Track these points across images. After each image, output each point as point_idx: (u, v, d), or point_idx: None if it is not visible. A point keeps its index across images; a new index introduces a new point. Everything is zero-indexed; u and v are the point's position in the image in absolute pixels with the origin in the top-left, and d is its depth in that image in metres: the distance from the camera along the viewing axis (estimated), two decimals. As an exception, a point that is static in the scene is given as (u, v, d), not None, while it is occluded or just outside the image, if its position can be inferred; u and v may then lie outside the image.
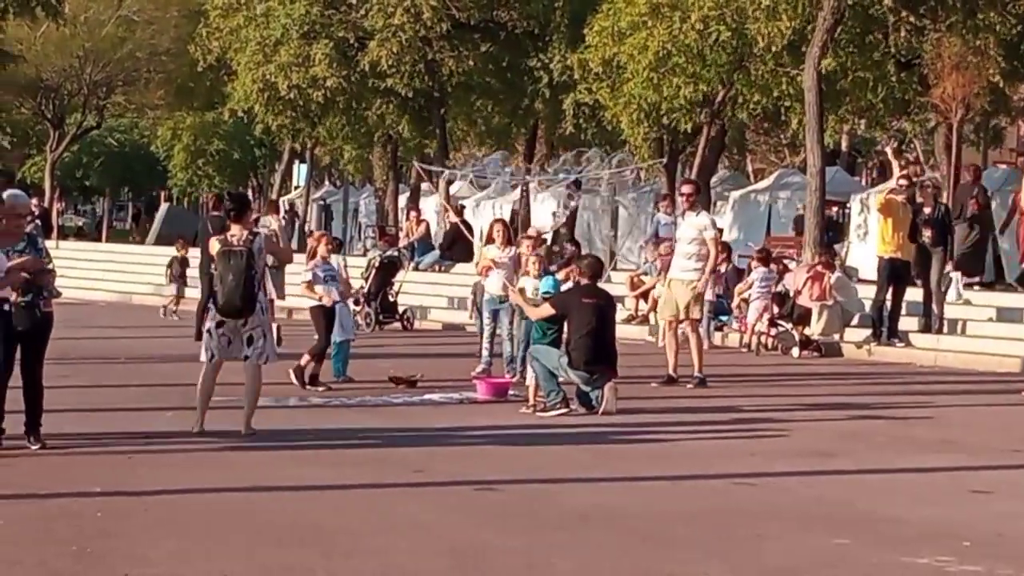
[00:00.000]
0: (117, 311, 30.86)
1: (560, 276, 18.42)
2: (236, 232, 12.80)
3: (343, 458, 11.99)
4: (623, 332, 19.67)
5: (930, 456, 12.78)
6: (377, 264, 26.81)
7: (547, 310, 15.41)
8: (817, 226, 25.54)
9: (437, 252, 32.40)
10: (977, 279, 25.23)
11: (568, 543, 8.93)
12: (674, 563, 8.53)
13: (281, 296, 21.80)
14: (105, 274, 37.86)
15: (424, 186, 45.58)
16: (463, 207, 36.04)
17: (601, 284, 16.09)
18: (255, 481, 10.71)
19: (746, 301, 23.48)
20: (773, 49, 26.83)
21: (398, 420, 14.49)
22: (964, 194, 25.76)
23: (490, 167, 30.95)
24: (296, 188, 59.09)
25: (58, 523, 9.13)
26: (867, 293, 23.21)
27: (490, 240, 18.69)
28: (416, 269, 30.77)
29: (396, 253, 28.83)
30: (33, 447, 11.70)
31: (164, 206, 55.92)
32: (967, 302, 24.04)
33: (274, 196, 52.85)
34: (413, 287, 28.85)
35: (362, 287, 25.58)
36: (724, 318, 24.27)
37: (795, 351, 22.44)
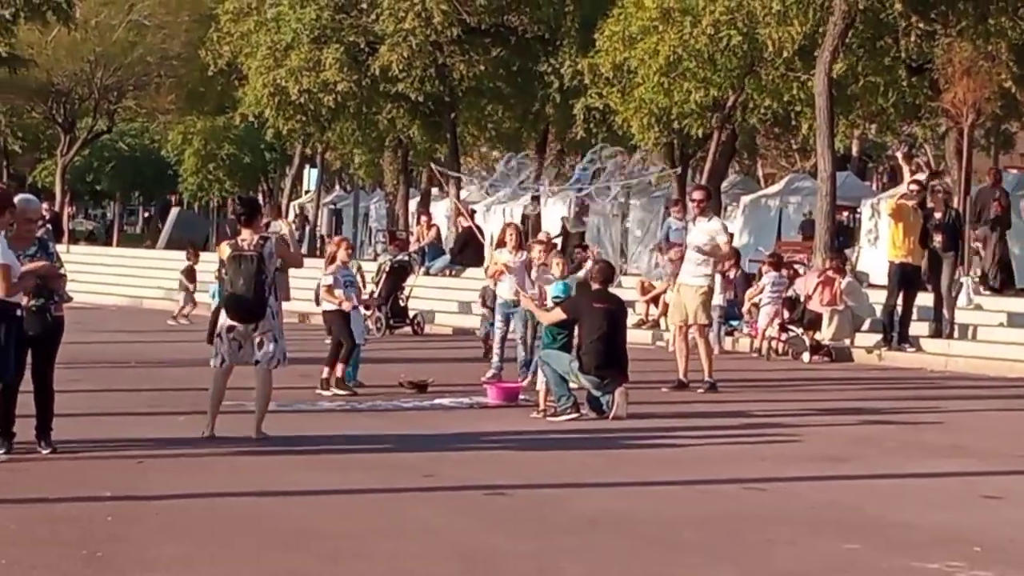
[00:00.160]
0: (128, 315, 30.91)
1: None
2: (247, 236, 12.81)
3: (353, 462, 12.00)
4: (632, 337, 19.64)
5: (941, 461, 12.76)
6: (388, 269, 26.86)
7: (558, 315, 15.41)
8: (828, 231, 25.52)
9: (448, 256, 32.38)
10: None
11: (578, 548, 8.93)
12: (684, 568, 8.53)
13: (286, 298, 21.78)
14: (116, 278, 37.85)
15: (434, 190, 45.62)
16: (474, 211, 36.04)
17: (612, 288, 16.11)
18: (264, 486, 10.71)
19: (757, 306, 23.46)
20: (784, 54, 26.81)
21: (408, 425, 14.50)
22: (986, 197, 25.83)
23: (510, 169, 30.58)
24: (307, 192, 59.13)
25: (68, 527, 9.15)
26: (878, 298, 23.19)
27: (502, 244, 18.70)
28: (427, 274, 30.78)
29: (407, 258, 28.83)
30: (44, 451, 11.70)
31: (174, 210, 55.85)
32: (978, 307, 24.00)
33: (284, 200, 52.99)
34: (423, 292, 28.85)
35: (373, 292, 25.61)
36: (735, 323, 24.24)
37: (806, 356, 22.41)
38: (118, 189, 68.03)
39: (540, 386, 15.21)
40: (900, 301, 22.15)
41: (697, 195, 18.47)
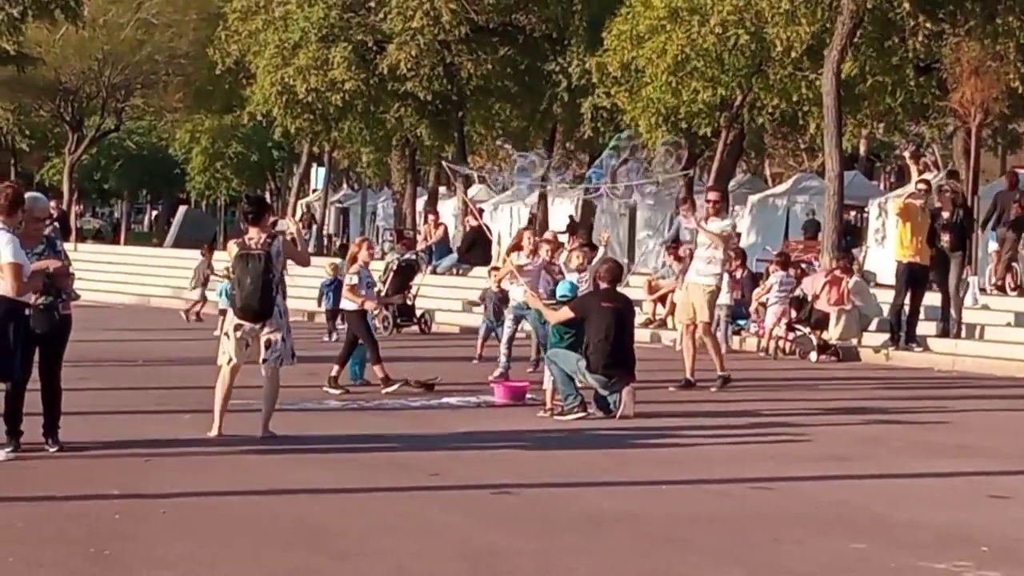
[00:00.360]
0: (135, 314, 30.93)
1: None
2: (254, 235, 12.81)
3: (359, 461, 12.01)
4: (639, 336, 19.65)
5: (948, 461, 12.74)
6: (395, 268, 26.88)
7: (566, 314, 15.40)
8: (835, 230, 25.51)
9: (455, 255, 32.40)
10: None
11: (584, 547, 8.93)
12: (691, 567, 8.53)
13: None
14: (123, 277, 37.92)
15: (442, 189, 45.60)
16: (482, 210, 36.05)
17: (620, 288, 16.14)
18: (270, 484, 10.72)
19: (764, 305, 23.46)
20: (792, 53, 26.79)
21: (415, 423, 14.50)
22: (1006, 199, 25.86)
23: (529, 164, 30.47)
24: (314, 191, 59.24)
25: (76, 525, 9.16)
26: (885, 297, 23.18)
27: (518, 248, 18.77)
28: (434, 273, 30.79)
29: (414, 256, 28.85)
30: (51, 449, 11.72)
31: (182, 209, 56.07)
32: (985, 307, 23.99)
33: (291, 199, 53.04)
34: (430, 290, 28.85)
35: (380, 290, 25.62)
36: (742, 322, 24.24)
37: (813, 355, 22.41)
38: (125, 187, 68.16)
39: (547, 385, 15.23)
40: (907, 301, 22.14)
41: (712, 196, 18.61)
